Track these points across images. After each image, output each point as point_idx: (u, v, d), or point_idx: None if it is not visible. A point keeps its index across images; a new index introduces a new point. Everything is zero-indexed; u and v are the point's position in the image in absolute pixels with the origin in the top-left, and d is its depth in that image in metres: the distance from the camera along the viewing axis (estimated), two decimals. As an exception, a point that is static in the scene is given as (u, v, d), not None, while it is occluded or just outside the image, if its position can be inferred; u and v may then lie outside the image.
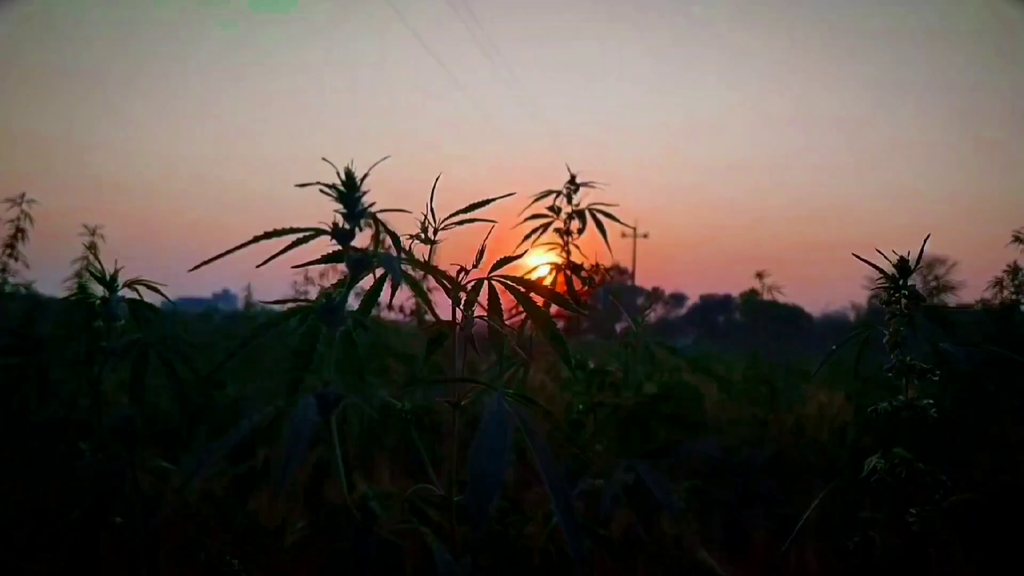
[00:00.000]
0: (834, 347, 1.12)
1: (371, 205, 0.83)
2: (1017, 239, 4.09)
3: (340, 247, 0.85)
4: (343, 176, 0.82)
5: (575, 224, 1.83)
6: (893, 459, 0.95)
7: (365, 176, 0.84)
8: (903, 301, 1.01)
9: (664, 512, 2.04)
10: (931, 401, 0.97)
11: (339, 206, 0.96)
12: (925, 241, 1.02)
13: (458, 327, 1.15)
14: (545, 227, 1.80)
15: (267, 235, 0.73)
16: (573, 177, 1.82)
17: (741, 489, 3.98)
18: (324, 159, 0.78)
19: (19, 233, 4.10)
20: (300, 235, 0.76)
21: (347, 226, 0.82)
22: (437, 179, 1.11)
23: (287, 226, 0.75)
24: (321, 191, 0.78)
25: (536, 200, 1.82)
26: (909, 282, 1.04)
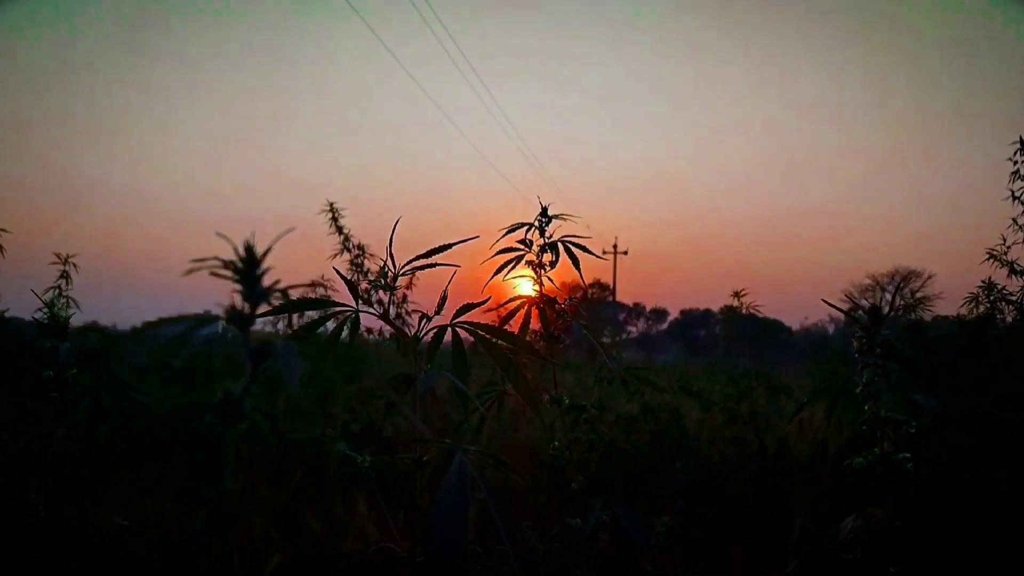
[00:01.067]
0: (805, 400, 1.09)
1: (275, 283, 0.71)
2: (991, 256, 4.10)
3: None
4: (240, 251, 0.70)
5: (548, 257, 1.80)
6: (870, 518, 0.92)
7: (268, 251, 0.71)
8: (877, 351, 0.98)
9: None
10: (907, 455, 0.94)
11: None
12: (897, 287, 0.99)
13: (417, 382, 1.10)
14: (517, 260, 1.76)
15: (150, 325, 0.65)
16: (544, 209, 1.79)
17: (723, 513, 3.94)
18: (219, 234, 0.68)
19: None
20: (190, 323, 0.67)
21: (246, 308, 0.70)
22: (396, 224, 1.08)
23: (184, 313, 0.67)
24: (212, 274, 0.68)
25: (506, 233, 1.78)
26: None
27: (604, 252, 54.33)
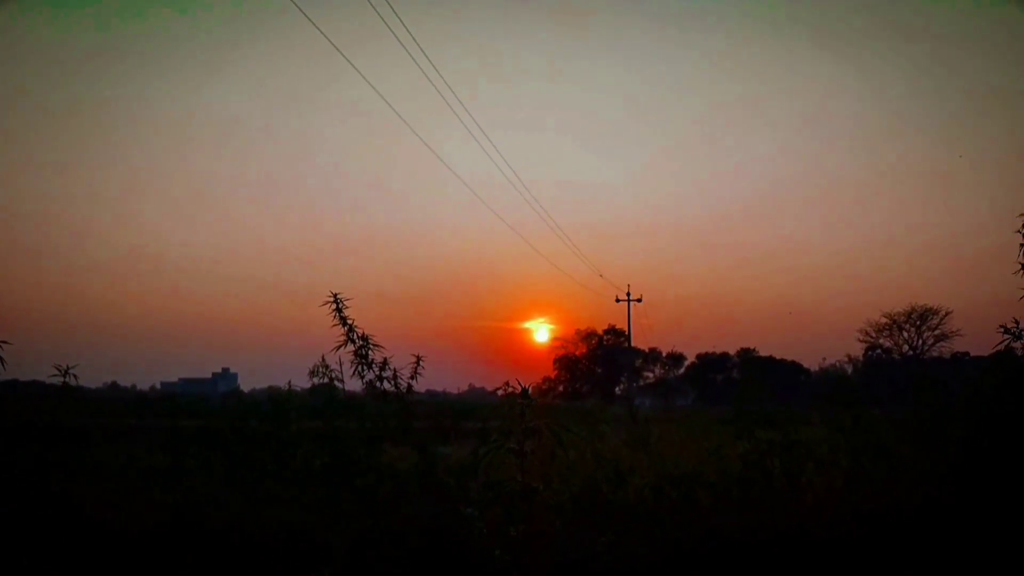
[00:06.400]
0: None
1: None
2: (1007, 332, 4.06)
3: None
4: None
5: (530, 444, 1.76)
6: None
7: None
8: None
9: None
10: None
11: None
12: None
13: None
14: (499, 446, 1.73)
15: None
16: (525, 391, 1.76)
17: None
18: None
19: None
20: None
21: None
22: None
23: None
24: None
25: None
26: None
27: (617, 300, 53.40)
